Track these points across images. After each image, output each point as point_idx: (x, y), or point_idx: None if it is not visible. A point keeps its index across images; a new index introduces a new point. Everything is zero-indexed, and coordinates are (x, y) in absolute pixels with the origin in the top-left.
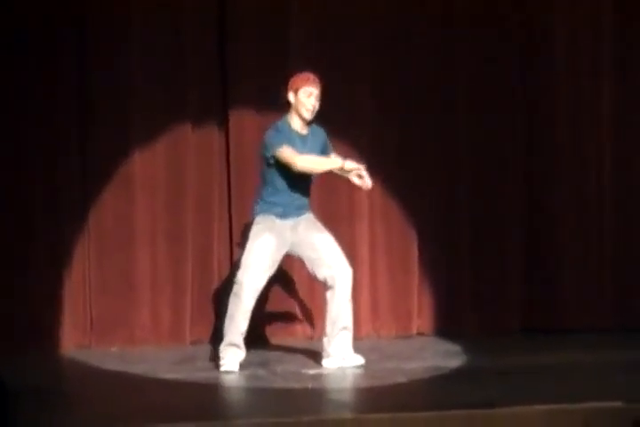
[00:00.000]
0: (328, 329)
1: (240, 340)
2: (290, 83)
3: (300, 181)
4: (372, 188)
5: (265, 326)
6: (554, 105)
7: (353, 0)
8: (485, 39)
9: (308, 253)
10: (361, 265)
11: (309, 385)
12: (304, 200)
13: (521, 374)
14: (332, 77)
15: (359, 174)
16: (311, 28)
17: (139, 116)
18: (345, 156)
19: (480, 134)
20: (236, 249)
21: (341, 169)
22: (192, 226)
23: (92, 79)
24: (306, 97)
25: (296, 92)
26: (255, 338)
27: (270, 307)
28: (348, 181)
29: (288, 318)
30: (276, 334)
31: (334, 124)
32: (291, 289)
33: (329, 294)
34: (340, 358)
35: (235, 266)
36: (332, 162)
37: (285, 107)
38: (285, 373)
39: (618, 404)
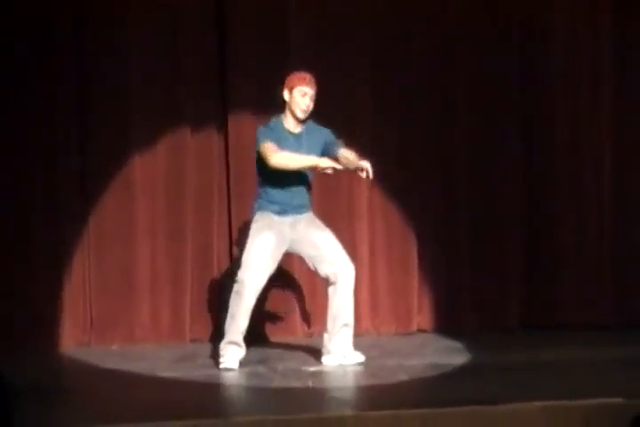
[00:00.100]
0: (329, 326)
1: (240, 338)
2: (286, 81)
3: (296, 179)
4: (372, 187)
5: (265, 324)
6: (554, 105)
7: (353, 0)
8: (485, 39)
9: (309, 251)
10: (361, 262)
11: (310, 383)
12: (303, 198)
13: (521, 371)
14: (331, 78)
15: (361, 168)
16: (311, 28)
17: (138, 116)
18: None
19: (480, 134)
20: (235, 248)
21: (317, 167)
22: (192, 224)
23: (92, 79)
24: (300, 96)
25: (291, 90)
26: (255, 336)
27: (270, 305)
28: (348, 181)
29: (288, 315)
30: (275, 331)
31: (334, 124)
32: (291, 287)
33: (331, 291)
34: (341, 355)
35: (234, 264)
36: (307, 160)
37: (282, 105)
38: (285, 370)
39: (618, 400)
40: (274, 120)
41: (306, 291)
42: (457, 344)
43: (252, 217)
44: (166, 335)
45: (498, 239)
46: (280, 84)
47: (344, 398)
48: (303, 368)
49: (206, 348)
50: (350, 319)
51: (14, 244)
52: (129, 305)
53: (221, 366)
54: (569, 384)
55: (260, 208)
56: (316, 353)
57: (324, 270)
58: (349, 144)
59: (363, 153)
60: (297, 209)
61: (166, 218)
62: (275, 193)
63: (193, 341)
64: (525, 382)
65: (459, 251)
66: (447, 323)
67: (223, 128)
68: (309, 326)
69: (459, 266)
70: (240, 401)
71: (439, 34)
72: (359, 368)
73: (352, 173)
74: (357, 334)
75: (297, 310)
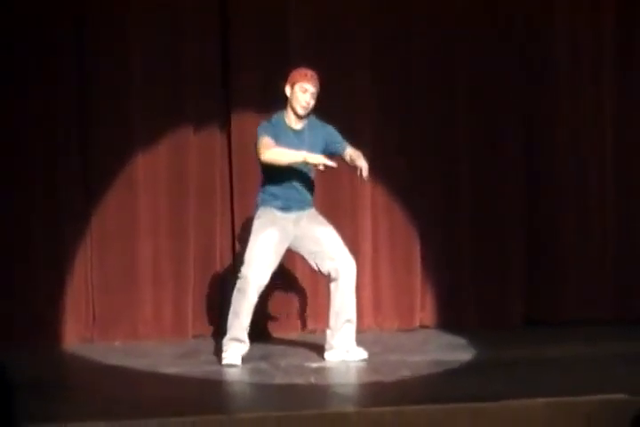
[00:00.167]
0: (331, 322)
1: (244, 335)
2: (289, 77)
3: (299, 175)
4: (374, 185)
5: (267, 320)
6: (554, 105)
7: (353, 0)
8: (485, 39)
9: (311, 247)
10: (364, 259)
11: (312, 379)
12: (306, 195)
13: (524, 367)
14: (332, 77)
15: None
16: (312, 27)
17: (140, 116)
18: None
19: (481, 134)
20: (237, 245)
21: (305, 162)
22: (194, 222)
23: (93, 79)
24: (301, 92)
25: (292, 86)
26: (258, 332)
27: (273, 300)
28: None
29: (290, 311)
30: (278, 327)
31: (335, 123)
32: (293, 282)
33: (333, 287)
34: (343, 350)
35: (237, 261)
36: (297, 155)
37: (284, 101)
38: (288, 366)
39: (620, 396)
40: (275, 116)
41: (308, 286)
42: (460, 341)
43: (255, 212)
44: (169, 332)
45: (500, 238)
46: (283, 80)
47: (347, 395)
48: (306, 364)
49: (209, 344)
50: (353, 315)
51: (16, 243)
52: (131, 302)
53: (224, 362)
54: (572, 381)
55: (263, 204)
56: (318, 349)
57: (325, 267)
58: (350, 143)
59: (364, 153)
60: (300, 205)
61: (169, 216)
62: (278, 189)
63: (195, 337)
64: (528, 379)
65: (461, 248)
66: (450, 316)
67: (226, 127)
68: (305, 326)
69: (461, 263)
70: (243, 397)
71: (439, 34)
72: (362, 364)
73: (354, 171)
74: (360, 331)
75: (298, 307)
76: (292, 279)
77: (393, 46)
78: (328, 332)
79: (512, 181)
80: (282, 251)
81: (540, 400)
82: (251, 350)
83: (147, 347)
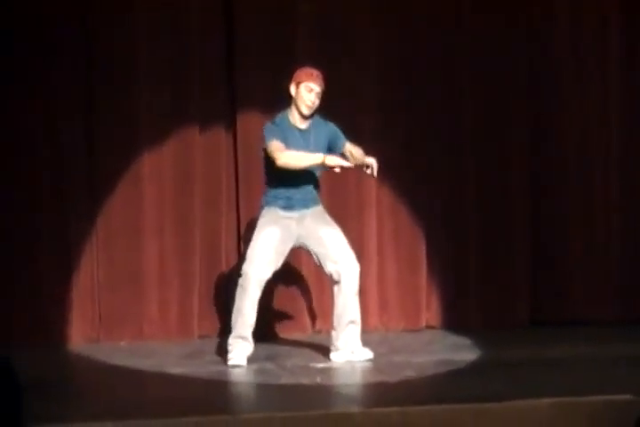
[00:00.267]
0: (335, 324)
1: (248, 333)
2: (294, 75)
3: (302, 174)
4: (380, 185)
5: (273, 321)
6: (557, 105)
7: (356, 0)
8: (486, 39)
9: (315, 247)
10: (370, 259)
11: (318, 379)
12: (310, 192)
13: (529, 368)
14: (337, 77)
15: (367, 165)
16: (318, 27)
17: (146, 116)
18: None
19: (487, 134)
20: (243, 245)
21: (323, 164)
22: (200, 222)
23: (98, 79)
24: (306, 92)
25: (297, 85)
26: (263, 332)
27: (278, 301)
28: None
29: (296, 312)
30: (284, 328)
31: (340, 122)
32: (299, 283)
33: (335, 289)
34: (349, 351)
35: (242, 261)
36: (314, 158)
37: (289, 100)
38: (293, 367)
39: (625, 397)
40: (280, 116)
41: (314, 287)
42: (465, 341)
43: (260, 213)
44: (174, 332)
45: (504, 238)
46: (288, 79)
47: (352, 395)
48: (311, 365)
49: (214, 344)
50: (357, 316)
51: (22, 242)
52: (137, 302)
53: (229, 362)
54: (576, 381)
55: (267, 204)
56: (324, 350)
57: (328, 268)
58: (355, 142)
59: (369, 152)
60: (303, 203)
61: (175, 216)
62: (280, 188)
63: (201, 337)
64: (533, 379)
65: (467, 249)
66: (455, 316)
67: (231, 126)
68: (314, 325)
69: (467, 264)
70: (248, 398)
71: (439, 33)
72: (367, 365)
73: (359, 170)
74: (365, 331)
75: (305, 306)
76: (299, 279)
77: (397, 47)
78: (333, 333)
79: (517, 181)
80: (285, 250)
81: (545, 401)
82: (256, 350)
83: (152, 347)
